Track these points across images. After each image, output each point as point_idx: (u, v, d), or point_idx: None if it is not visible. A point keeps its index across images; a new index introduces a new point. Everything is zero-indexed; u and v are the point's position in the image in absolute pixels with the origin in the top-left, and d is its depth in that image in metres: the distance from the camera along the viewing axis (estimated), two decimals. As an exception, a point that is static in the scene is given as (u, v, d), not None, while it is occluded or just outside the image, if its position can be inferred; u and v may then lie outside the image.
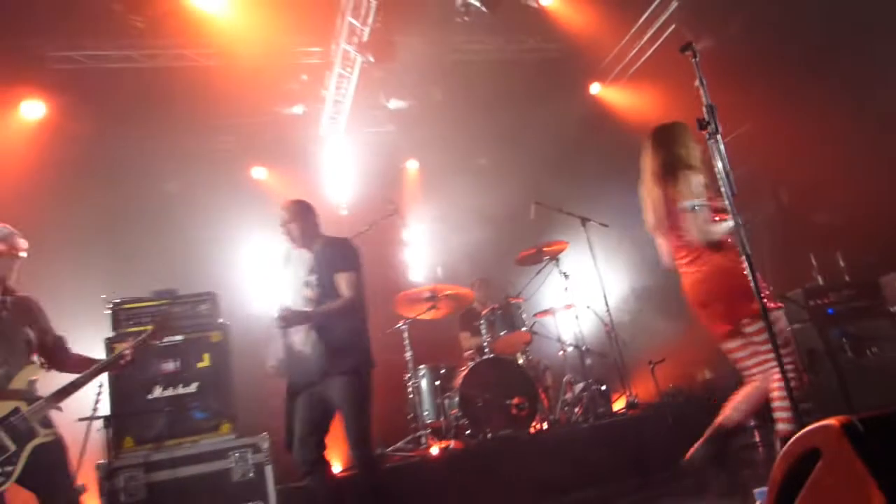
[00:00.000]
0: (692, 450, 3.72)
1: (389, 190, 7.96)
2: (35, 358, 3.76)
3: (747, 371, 3.72)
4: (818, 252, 6.75)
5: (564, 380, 6.90)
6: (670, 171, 3.73)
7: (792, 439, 1.79)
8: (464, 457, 5.69)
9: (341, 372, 3.98)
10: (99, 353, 4.37)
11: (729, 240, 3.67)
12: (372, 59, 7.59)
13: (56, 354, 3.88)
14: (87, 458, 5.08)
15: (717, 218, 3.60)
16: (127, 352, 3.75)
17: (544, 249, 6.97)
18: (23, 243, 3.78)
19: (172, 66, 7.62)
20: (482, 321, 6.70)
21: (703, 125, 2.98)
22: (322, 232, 4.44)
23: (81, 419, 4.36)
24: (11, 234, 3.74)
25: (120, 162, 7.99)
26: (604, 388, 6.70)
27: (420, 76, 8.68)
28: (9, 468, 3.38)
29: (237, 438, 4.86)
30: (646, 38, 8.68)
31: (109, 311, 5.04)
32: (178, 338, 4.94)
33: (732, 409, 3.64)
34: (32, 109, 7.38)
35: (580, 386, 6.80)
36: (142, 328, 4.71)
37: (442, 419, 6.34)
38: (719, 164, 2.92)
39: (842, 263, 6.65)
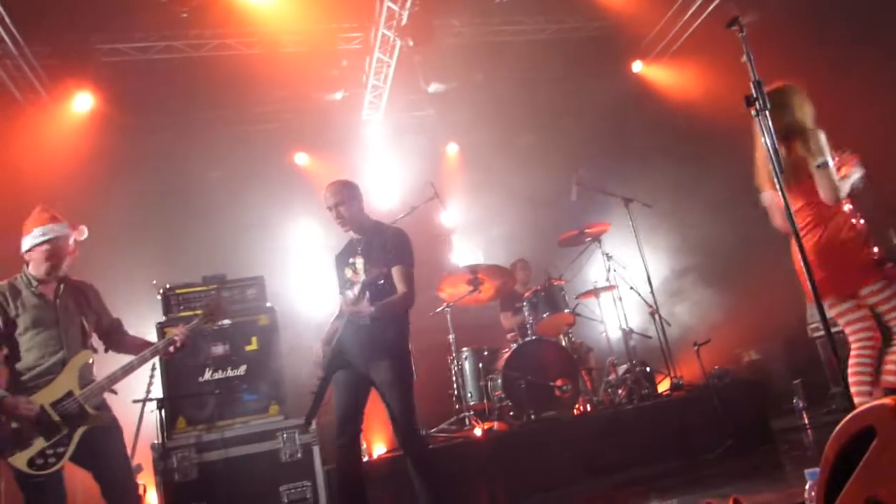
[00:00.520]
0: None
1: (430, 174, 7.94)
2: (91, 342, 3.87)
3: (855, 335, 3.66)
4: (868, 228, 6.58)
5: (608, 361, 6.87)
6: (796, 131, 3.65)
7: (845, 418, 1.76)
8: (507, 438, 5.72)
9: (388, 355, 3.98)
10: (151, 338, 4.49)
11: (845, 206, 3.63)
12: (411, 42, 7.59)
13: (113, 336, 4.00)
14: (141, 439, 5.29)
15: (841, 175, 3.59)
16: (178, 336, 3.84)
17: (586, 231, 6.92)
18: (73, 239, 3.88)
19: (215, 55, 7.72)
20: (524, 303, 6.69)
21: (750, 101, 2.92)
22: (369, 215, 4.36)
23: (136, 401, 4.52)
24: (60, 237, 3.79)
25: (166, 151, 8.17)
26: (648, 369, 6.65)
27: (460, 59, 8.63)
28: (61, 449, 3.49)
29: (285, 420, 4.97)
30: (689, 14, 8.50)
31: (160, 297, 5.18)
32: (227, 322, 5.04)
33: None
34: (83, 102, 7.56)
35: (624, 367, 6.76)
36: (192, 312, 4.86)
37: (485, 401, 6.37)
38: (767, 141, 2.86)
39: (895, 240, 6.47)
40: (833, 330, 2.92)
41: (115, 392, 3.75)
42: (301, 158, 9.23)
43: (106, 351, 3.99)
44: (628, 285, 6.99)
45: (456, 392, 6.50)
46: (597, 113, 9.17)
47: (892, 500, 1.66)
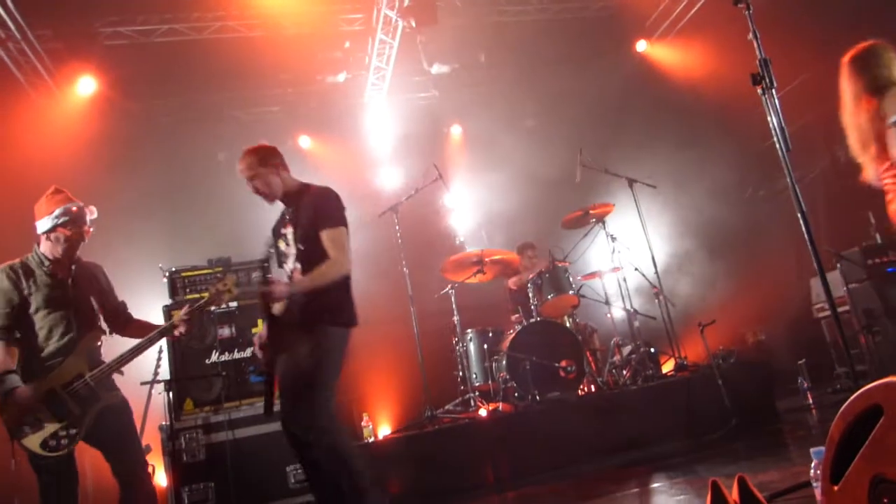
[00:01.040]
0: None
1: (434, 155, 7.93)
2: (100, 323, 3.89)
3: None
4: (877, 210, 6.55)
5: (612, 342, 6.89)
6: (876, 90, 3.59)
7: (852, 397, 1.77)
8: (512, 419, 5.76)
9: (303, 330, 3.51)
10: (157, 320, 4.51)
11: None
12: (414, 23, 7.54)
13: (117, 319, 4.01)
14: (149, 421, 5.33)
15: None
16: (183, 318, 3.85)
17: (591, 211, 6.91)
18: (91, 211, 3.88)
19: (217, 37, 7.69)
20: (529, 285, 6.70)
21: (756, 80, 2.90)
22: (295, 178, 3.89)
23: (144, 383, 4.55)
24: (80, 216, 3.78)
25: (169, 134, 8.17)
26: (652, 350, 6.67)
27: (462, 40, 8.60)
28: (73, 430, 3.52)
29: (291, 401, 4.99)
30: (694, -9, 8.43)
31: (166, 279, 5.20)
32: (233, 305, 5.07)
33: None
34: (86, 85, 7.54)
35: (628, 348, 6.78)
36: (198, 295, 4.88)
37: (490, 382, 6.40)
38: (774, 120, 2.84)
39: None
40: (840, 310, 2.92)
41: (122, 373, 3.77)
42: (304, 141, 9.21)
43: (110, 334, 4.00)
44: (633, 266, 6.99)
45: (461, 373, 6.53)
46: (601, 93, 9.13)
47: (898, 477, 1.67)
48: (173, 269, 5.25)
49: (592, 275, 7.10)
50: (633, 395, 5.96)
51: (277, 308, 3.64)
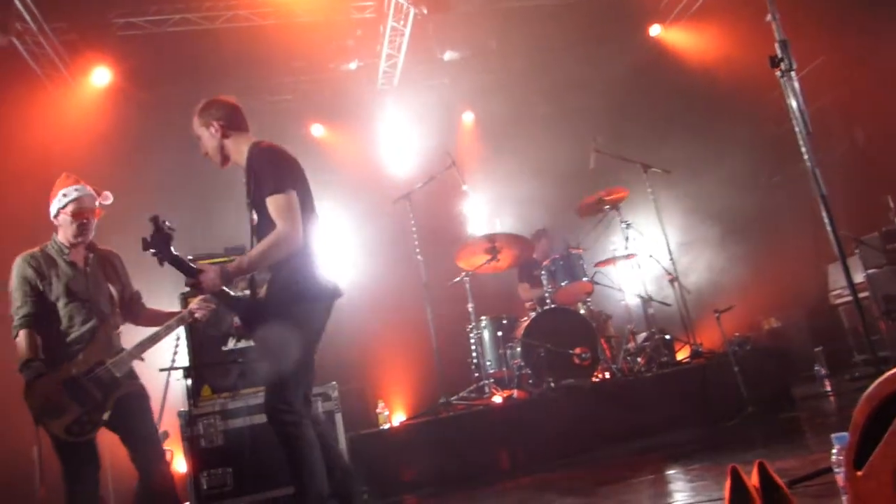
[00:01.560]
0: None
1: (446, 143, 7.91)
2: (118, 311, 3.93)
3: None
4: (896, 193, 6.50)
5: (627, 329, 6.87)
6: None
7: (875, 382, 1.75)
8: (527, 405, 5.77)
9: (267, 312, 3.29)
10: (174, 308, 4.54)
11: None
12: (425, 10, 7.52)
13: (132, 308, 4.05)
14: (168, 407, 5.38)
15: None
16: (196, 308, 3.89)
17: (604, 198, 6.87)
18: (105, 196, 3.91)
19: (229, 26, 7.68)
20: (543, 272, 6.69)
21: (775, 62, 2.87)
22: (250, 139, 3.51)
23: (163, 369, 4.59)
24: (84, 196, 3.81)
25: (183, 123, 8.14)
26: (667, 337, 6.65)
27: (474, 26, 8.55)
28: (95, 416, 3.58)
29: (308, 388, 5.02)
30: (709, -27, 8.34)
31: (184, 268, 5.22)
32: (248, 292, 5.08)
33: None
34: (101, 76, 7.59)
35: (643, 335, 6.76)
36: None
37: (504, 369, 6.41)
38: (793, 103, 2.81)
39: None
40: (861, 296, 2.90)
41: (142, 360, 3.82)
42: (317, 130, 9.21)
43: (125, 322, 4.04)
44: (647, 253, 6.95)
45: (475, 360, 6.54)
46: (614, 79, 9.07)
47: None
48: (190, 258, 5.25)
49: (607, 262, 7.07)
50: (647, 382, 5.95)
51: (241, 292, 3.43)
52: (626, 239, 6.86)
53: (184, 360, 4.90)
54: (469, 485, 4.99)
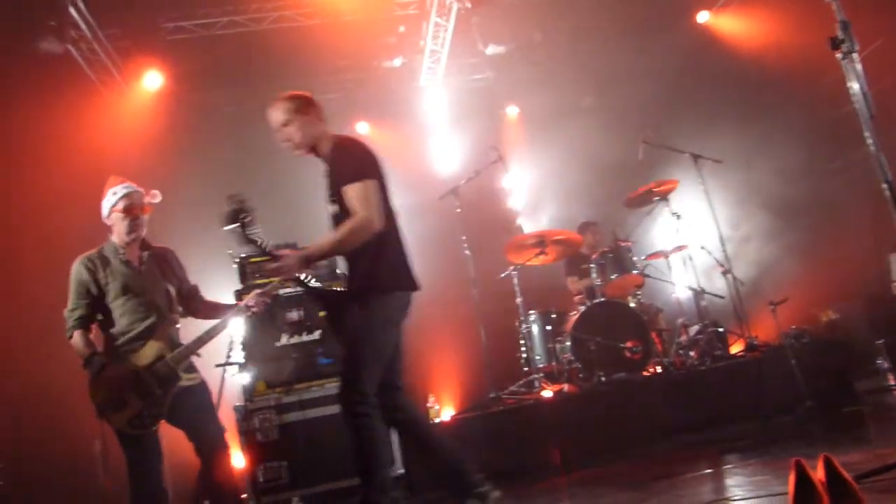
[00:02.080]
0: None
1: (490, 137, 7.90)
2: (176, 307, 4.02)
3: None
4: None
5: (679, 322, 6.76)
6: None
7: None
8: (578, 400, 5.73)
9: (350, 296, 3.41)
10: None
11: None
12: (469, 4, 7.51)
13: (192, 302, 4.14)
14: (224, 402, 5.50)
15: None
16: (251, 302, 3.95)
17: (654, 189, 6.77)
18: (154, 195, 4.00)
19: (275, 27, 7.79)
20: (592, 265, 6.63)
21: (836, 44, 2.78)
22: (329, 132, 3.66)
23: (218, 365, 4.69)
24: (132, 193, 3.91)
25: (233, 124, 8.35)
26: (720, 330, 6.52)
27: (518, 18, 8.50)
28: (156, 410, 3.68)
29: (359, 382, 5.07)
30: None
31: (236, 265, 5.34)
32: (301, 289, 5.16)
33: None
34: (153, 80, 7.79)
35: (695, 328, 6.64)
36: (267, 280, 4.99)
37: (554, 363, 6.38)
38: (855, 85, 2.72)
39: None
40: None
41: (199, 355, 3.90)
42: (362, 128, 9.29)
43: (186, 316, 4.14)
44: (698, 245, 6.83)
45: (524, 355, 6.52)
46: (661, 68, 8.91)
47: None
48: (243, 256, 5.38)
49: (657, 254, 6.96)
50: (701, 376, 5.84)
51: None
52: (677, 230, 6.75)
53: (239, 356, 5.00)
54: (520, 480, 4.97)
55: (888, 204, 2.73)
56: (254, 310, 4.00)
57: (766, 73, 8.47)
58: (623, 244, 6.67)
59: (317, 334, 5.18)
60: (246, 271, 5.31)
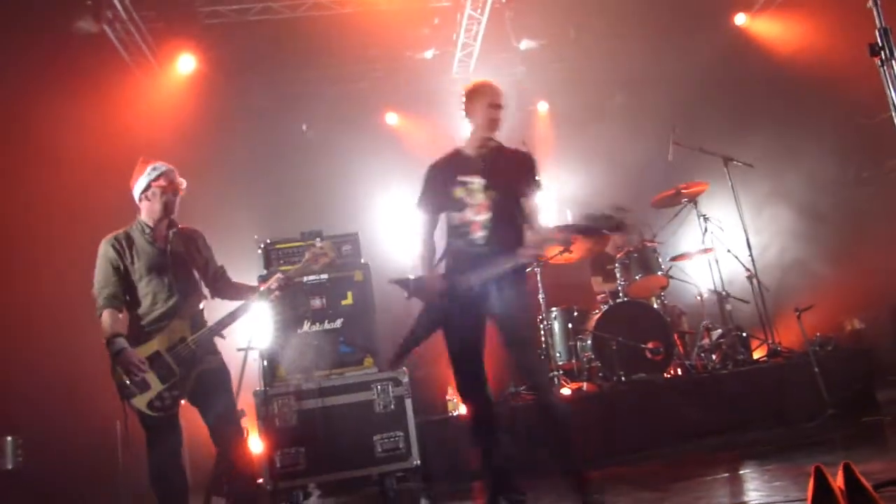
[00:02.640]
0: None
1: (520, 133, 7.85)
2: (201, 288, 4.06)
3: None
4: None
5: (702, 325, 6.71)
6: None
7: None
8: (597, 398, 5.72)
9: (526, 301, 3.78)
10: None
11: None
12: (504, -2, 7.48)
13: (217, 284, 4.16)
14: (244, 387, 5.56)
15: None
16: (275, 283, 3.96)
17: (683, 191, 6.71)
18: (181, 181, 4.05)
19: (309, 14, 7.81)
20: (616, 265, 6.60)
21: (875, 50, 2.73)
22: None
23: (240, 349, 4.73)
24: (171, 170, 3.97)
25: (263, 110, 8.41)
26: (744, 334, 6.46)
27: (552, 14, 8.45)
28: (176, 392, 3.70)
29: (379, 372, 5.11)
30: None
31: (261, 251, 5.39)
32: (324, 277, 5.20)
33: None
34: (186, 64, 7.85)
35: (718, 332, 6.59)
36: (291, 267, 5.02)
37: (574, 361, 6.37)
38: (893, 93, 2.68)
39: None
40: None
41: (223, 337, 3.92)
42: (392, 118, 9.31)
43: (212, 297, 4.17)
44: (725, 248, 6.76)
45: (545, 351, 6.51)
46: (695, 69, 8.79)
47: None
48: (268, 241, 5.42)
49: (682, 256, 6.92)
50: (722, 380, 5.81)
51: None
52: (704, 233, 6.69)
53: (261, 340, 5.04)
54: (537, 475, 4.97)
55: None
56: (276, 293, 4.00)
57: (801, 78, 8.33)
58: (649, 245, 6.63)
59: (338, 322, 5.20)
60: (270, 257, 5.34)
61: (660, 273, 6.53)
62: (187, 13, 7.51)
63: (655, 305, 6.54)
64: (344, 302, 5.26)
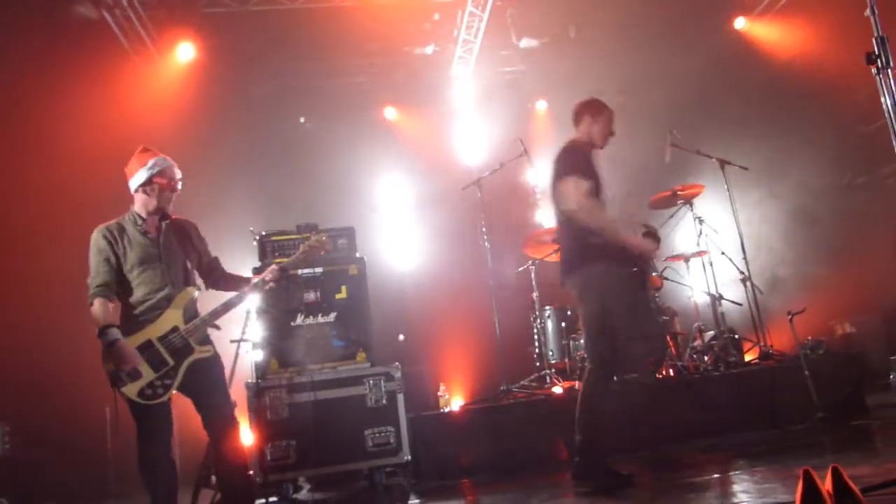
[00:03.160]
0: None
1: (518, 131, 7.87)
2: (194, 279, 4.05)
3: None
4: None
5: (694, 327, 6.73)
6: None
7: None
8: (588, 398, 5.70)
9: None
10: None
11: None
12: (505, -5, 7.48)
13: (211, 275, 4.16)
14: (235, 379, 5.55)
15: None
16: (269, 274, 3.96)
17: (679, 192, 6.73)
18: (178, 174, 4.04)
19: (310, 7, 7.80)
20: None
21: (871, 59, 2.75)
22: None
23: (233, 341, 4.73)
24: (172, 166, 3.98)
25: (262, 101, 8.39)
26: (736, 336, 6.49)
27: (553, 14, 8.46)
28: (168, 381, 3.69)
29: (371, 367, 5.11)
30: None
31: (256, 243, 5.38)
32: (319, 270, 5.20)
33: None
34: (185, 52, 7.83)
35: (710, 334, 6.61)
36: (286, 259, 5.02)
37: (566, 360, 6.38)
38: (888, 101, 2.69)
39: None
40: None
41: (218, 328, 3.92)
42: (390, 113, 9.30)
43: (206, 288, 4.16)
44: (720, 250, 6.78)
45: (538, 349, 6.52)
46: (694, 71, 8.82)
47: None
48: (263, 233, 5.41)
49: (677, 257, 6.93)
50: (713, 382, 5.83)
51: None
52: (699, 235, 6.71)
53: (254, 333, 5.03)
54: (527, 473, 5.00)
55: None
56: (270, 284, 4.01)
57: (798, 84, 8.36)
58: (644, 245, 6.62)
59: (332, 316, 5.20)
60: (265, 249, 5.33)
61: (654, 274, 6.53)
62: (187, 2, 7.48)
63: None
64: (338, 296, 5.25)
